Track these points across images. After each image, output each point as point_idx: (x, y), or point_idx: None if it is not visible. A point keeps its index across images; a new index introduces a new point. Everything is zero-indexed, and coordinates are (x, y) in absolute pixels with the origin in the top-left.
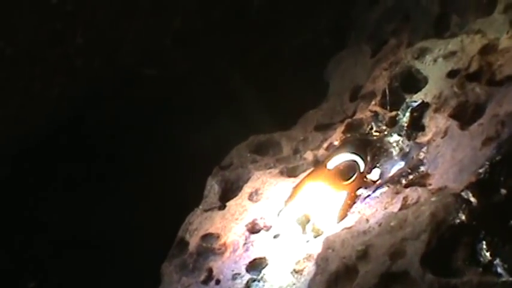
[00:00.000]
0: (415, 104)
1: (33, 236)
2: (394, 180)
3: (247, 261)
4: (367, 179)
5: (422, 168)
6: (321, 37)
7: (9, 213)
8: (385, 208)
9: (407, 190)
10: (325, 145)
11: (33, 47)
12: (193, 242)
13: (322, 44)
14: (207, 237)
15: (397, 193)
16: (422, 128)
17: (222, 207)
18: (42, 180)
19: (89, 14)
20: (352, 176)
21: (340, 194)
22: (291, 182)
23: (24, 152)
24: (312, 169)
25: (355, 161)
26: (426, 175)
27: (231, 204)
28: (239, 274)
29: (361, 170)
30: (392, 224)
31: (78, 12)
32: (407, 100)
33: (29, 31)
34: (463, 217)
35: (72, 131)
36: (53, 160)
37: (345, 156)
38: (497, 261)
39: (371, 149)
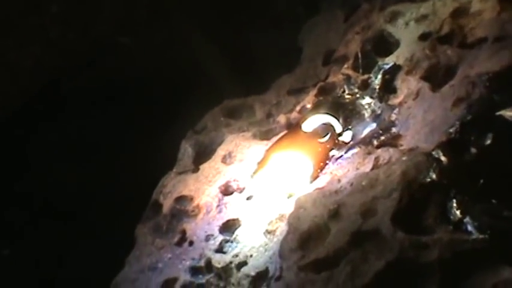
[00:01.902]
0: (387, 67)
1: (8, 204)
2: (366, 142)
3: (220, 222)
4: (339, 140)
5: (393, 130)
6: (295, 6)
7: None
8: (357, 168)
9: (379, 151)
10: (297, 108)
11: (8, 16)
12: (167, 204)
13: (296, 13)
14: (181, 199)
15: (369, 154)
16: (394, 90)
17: (196, 170)
18: (17, 149)
19: None
20: (325, 137)
21: (312, 155)
22: (264, 144)
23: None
24: (285, 132)
25: (329, 122)
26: (398, 136)
27: (204, 167)
28: (212, 235)
29: (336, 130)
30: (363, 183)
31: None
32: (379, 63)
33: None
34: (434, 176)
35: (46, 101)
36: (27, 130)
37: (320, 117)
38: (467, 219)
39: (343, 111)
